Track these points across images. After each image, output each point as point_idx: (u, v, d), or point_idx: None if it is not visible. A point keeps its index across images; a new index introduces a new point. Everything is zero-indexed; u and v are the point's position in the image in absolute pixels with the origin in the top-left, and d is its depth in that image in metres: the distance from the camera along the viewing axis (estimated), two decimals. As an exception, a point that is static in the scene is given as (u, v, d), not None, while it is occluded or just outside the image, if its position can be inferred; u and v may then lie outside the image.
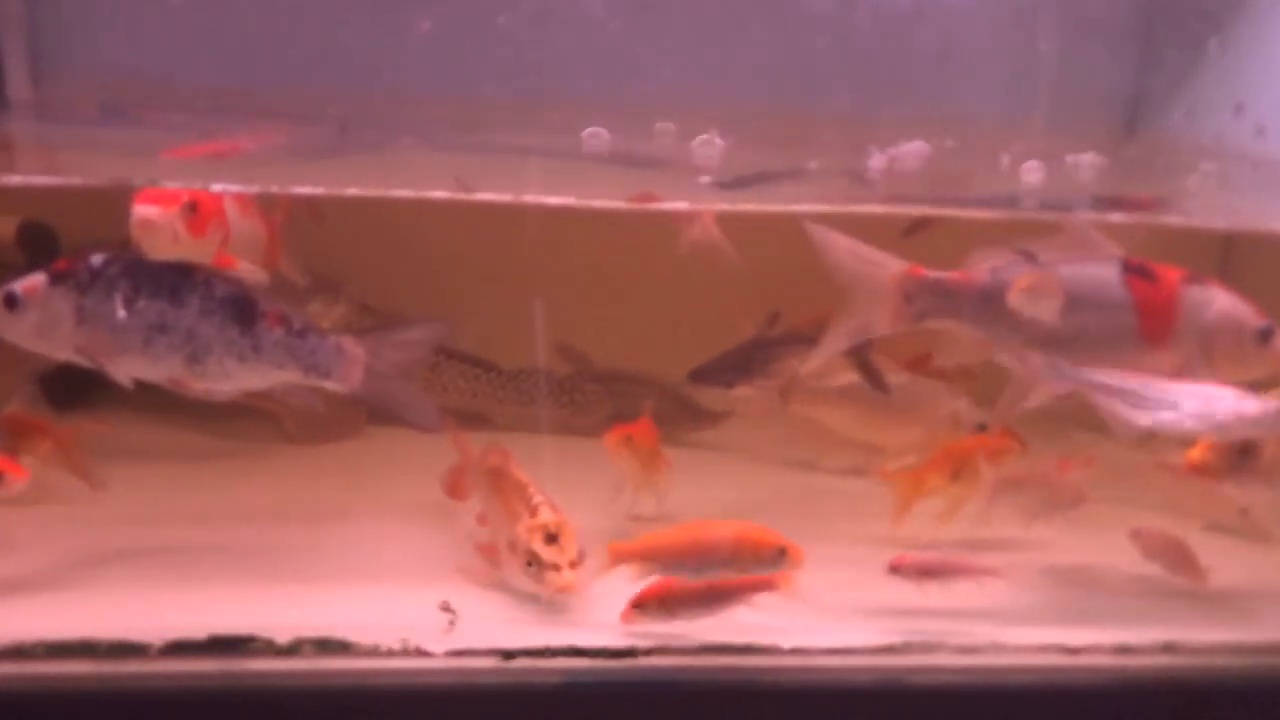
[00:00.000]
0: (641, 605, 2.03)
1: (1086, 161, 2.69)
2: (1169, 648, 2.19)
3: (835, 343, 2.34)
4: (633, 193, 2.42)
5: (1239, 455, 2.18)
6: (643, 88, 2.72)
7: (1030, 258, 2.30)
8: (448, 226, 2.99)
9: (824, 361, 2.47)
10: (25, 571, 2.27)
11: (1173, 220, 2.61)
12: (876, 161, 2.53)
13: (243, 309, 1.96)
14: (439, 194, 2.33)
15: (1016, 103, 2.71)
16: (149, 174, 2.28)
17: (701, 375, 2.85)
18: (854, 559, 2.59)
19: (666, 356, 3.11)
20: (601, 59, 2.70)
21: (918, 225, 2.75)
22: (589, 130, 2.48)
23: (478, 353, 3.20)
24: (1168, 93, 2.94)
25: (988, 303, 2.26)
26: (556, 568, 2.13)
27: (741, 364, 2.85)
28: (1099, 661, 2.16)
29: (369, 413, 3.17)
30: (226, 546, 2.28)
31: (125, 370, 1.98)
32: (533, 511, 2.21)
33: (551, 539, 2.16)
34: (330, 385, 2.04)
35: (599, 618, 2.13)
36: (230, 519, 2.44)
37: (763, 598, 2.09)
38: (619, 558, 2.08)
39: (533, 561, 2.14)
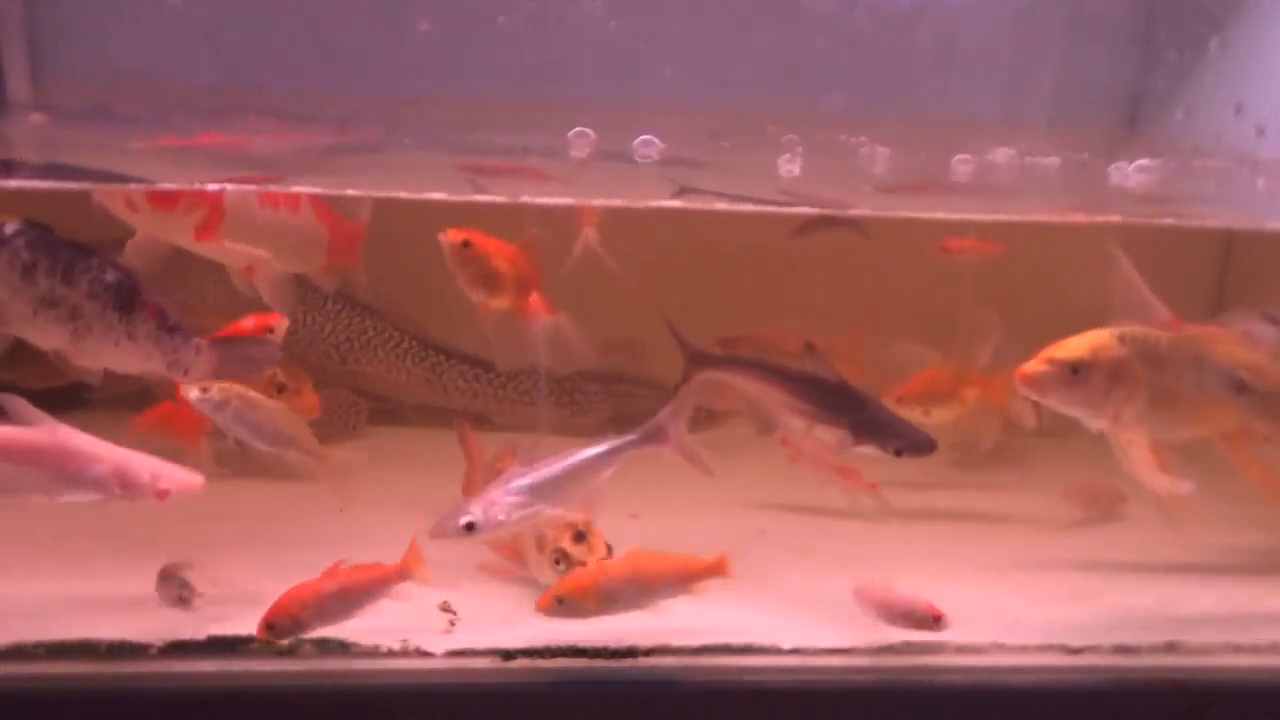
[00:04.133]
0: (272, 625, 1.99)
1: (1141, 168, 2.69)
2: (1169, 648, 2.19)
3: None
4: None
5: (1071, 372, 2.17)
6: (642, 88, 2.72)
7: (1275, 321, 2.33)
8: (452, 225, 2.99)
9: None
10: (26, 571, 2.27)
11: (1171, 221, 2.61)
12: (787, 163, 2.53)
13: (126, 296, 2.03)
14: (438, 195, 2.33)
15: (1017, 103, 2.71)
16: (142, 173, 2.29)
17: (909, 445, 2.62)
18: (852, 558, 2.59)
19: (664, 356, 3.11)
20: (601, 59, 2.70)
21: (811, 225, 2.77)
22: (575, 130, 2.48)
23: (478, 354, 3.21)
24: (1168, 93, 2.94)
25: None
26: (585, 565, 2.16)
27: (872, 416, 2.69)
28: (1099, 661, 2.16)
29: (369, 413, 3.18)
30: (226, 547, 2.27)
31: (24, 336, 2.06)
32: None
33: (580, 538, 2.20)
34: (185, 380, 2.15)
35: (599, 618, 2.12)
36: (229, 519, 2.44)
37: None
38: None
39: (561, 560, 2.18)
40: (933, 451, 2.45)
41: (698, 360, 2.56)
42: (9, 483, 2.00)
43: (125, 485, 2.01)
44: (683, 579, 2.09)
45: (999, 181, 2.68)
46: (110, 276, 2.01)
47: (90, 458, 2.01)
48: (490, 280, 2.37)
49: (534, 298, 2.43)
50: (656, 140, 2.49)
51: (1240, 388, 2.25)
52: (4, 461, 1.99)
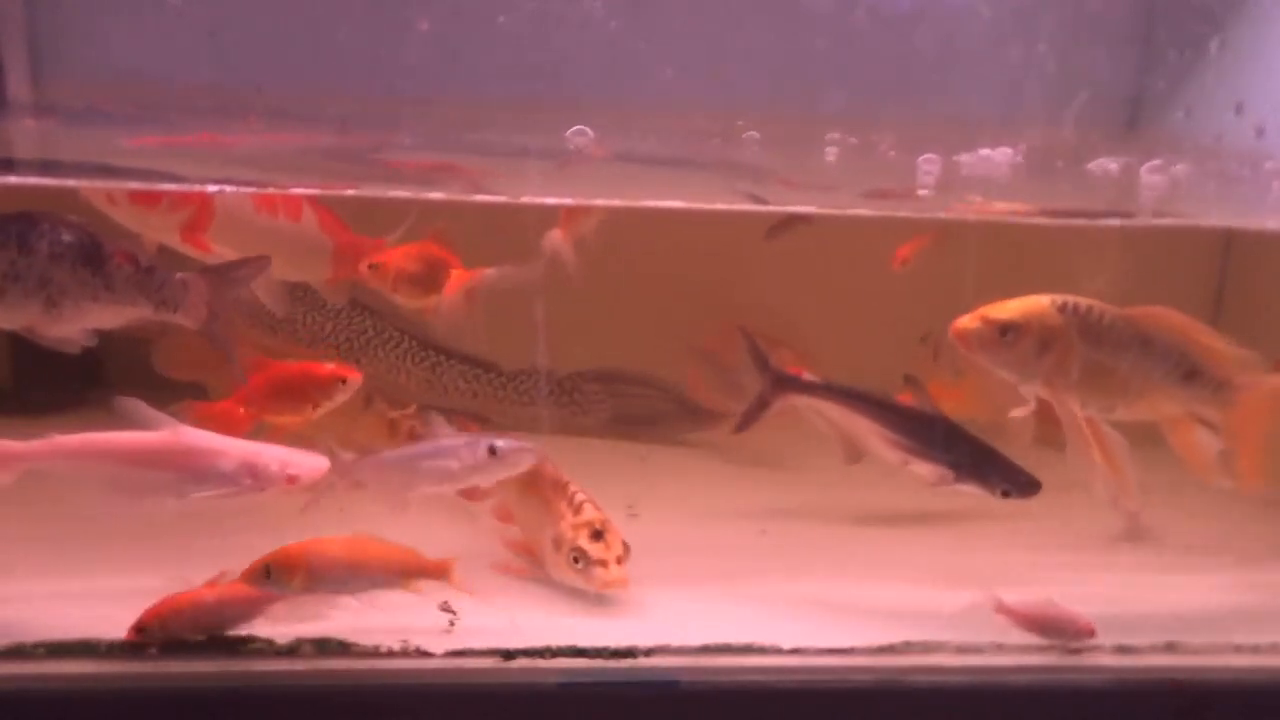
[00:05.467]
0: (143, 628, 2.00)
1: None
2: (1169, 648, 2.19)
3: None
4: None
5: (999, 333, 2.14)
6: (642, 88, 2.72)
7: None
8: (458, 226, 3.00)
9: None
10: (26, 571, 2.27)
11: (1171, 221, 2.61)
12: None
13: (91, 250, 2.00)
14: (437, 194, 2.33)
15: (1017, 102, 2.71)
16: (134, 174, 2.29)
17: (1017, 486, 2.42)
18: (852, 558, 2.59)
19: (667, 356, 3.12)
20: (601, 59, 2.70)
21: (782, 226, 2.77)
22: (574, 128, 2.49)
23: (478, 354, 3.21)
24: (1168, 92, 2.93)
25: None
26: (604, 563, 2.19)
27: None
28: (1099, 661, 2.16)
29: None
30: (227, 547, 2.27)
31: None
32: (577, 510, 2.27)
33: (597, 535, 2.22)
34: (178, 319, 2.11)
35: (600, 618, 2.12)
36: (230, 519, 2.43)
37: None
38: None
39: (579, 558, 2.20)
40: (1038, 492, 2.36)
41: (782, 384, 2.45)
42: (139, 487, 1.99)
43: (255, 477, 2.01)
44: (401, 572, 2.02)
45: (1001, 182, 2.67)
46: (68, 236, 1.98)
47: (217, 454, 2.00)
48: (410, 282, 2.41)
49: (453, 275, 2.43)
50: (589, 130, 2.49)
51: (1189, 376, 2.21)
52: (134, 467, 1.98)
